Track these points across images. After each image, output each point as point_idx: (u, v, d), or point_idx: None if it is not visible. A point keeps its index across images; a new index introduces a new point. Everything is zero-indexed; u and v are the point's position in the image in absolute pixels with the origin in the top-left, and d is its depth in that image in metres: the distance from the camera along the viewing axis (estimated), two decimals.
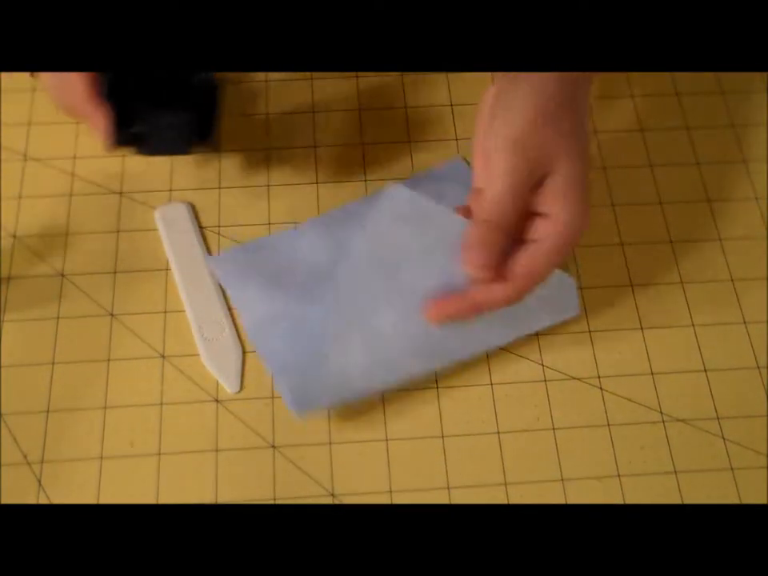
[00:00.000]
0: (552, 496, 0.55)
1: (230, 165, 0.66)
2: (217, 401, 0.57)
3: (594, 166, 0.67)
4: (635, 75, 0.72)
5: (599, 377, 0.59)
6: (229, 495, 0.54)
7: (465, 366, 0.58)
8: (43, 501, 0.54)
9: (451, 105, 0.70)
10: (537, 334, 0.60)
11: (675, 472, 0.56)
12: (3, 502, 0.53)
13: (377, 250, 0.53)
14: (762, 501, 0.55)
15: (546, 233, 0.49)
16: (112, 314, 0.60)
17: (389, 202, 0.52)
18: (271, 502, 0.54)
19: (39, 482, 0.54)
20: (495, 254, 0.49)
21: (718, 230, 0.65)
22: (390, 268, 0.53)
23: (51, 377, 0.58)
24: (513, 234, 0.49)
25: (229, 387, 0.57)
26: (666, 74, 0.72)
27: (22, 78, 0.69)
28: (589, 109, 0.52)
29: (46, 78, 0.57)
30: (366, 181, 0.66)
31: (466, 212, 0.51)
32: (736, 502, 0.54)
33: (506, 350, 0.59)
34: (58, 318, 0.60)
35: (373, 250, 0.53)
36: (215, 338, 0.59)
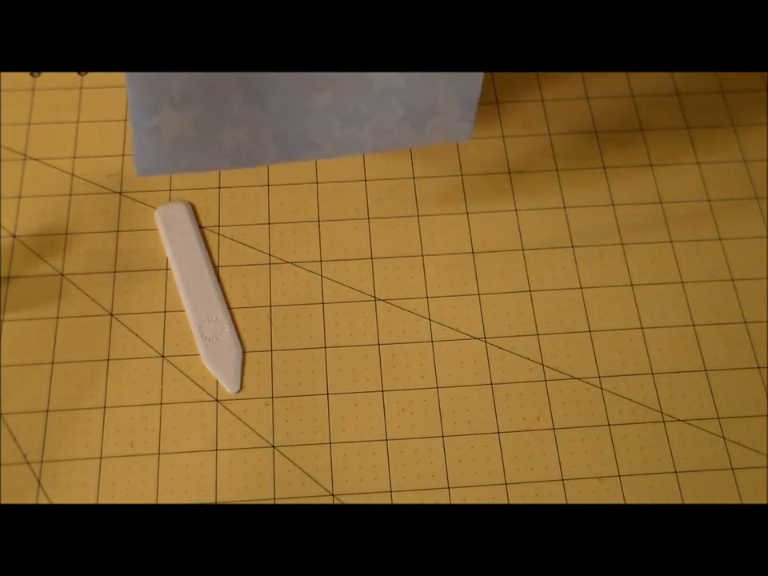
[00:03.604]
0: (552, 496, 0.55)
1: None
2: (217, 401, 0.57)
3: (595, 164, 0.67)
4: (635, 75, 0.72)
5: (599, 377, 0.59)
6: (229, 495, 0.54)
7: (464, 367, 0.58)
8: (43, 501, 0.54)
9: None
10: (537, 334, 0.60)
11: (675, 472, 0.56)
12: (3, 502, 0.53)
13: None
14: (762, 501, 0.55)
15: None
16: (112, 314, 0.60)
17: None
18: (271, 502, 0.54)
19: (39, 481, 0.54)
20: None
21: (718, 229, 0.65)
22: None
23: (51, 377, 0.58)
24: None
25: (228, 387, 0.57)
26: (666, 74, 0.72)
27: (22, 77, 0.69)
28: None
29: None
30: (365, 180, 0.66)
31: None
32: (736, 501, 0.54)
33: (505, 350, 0.59)
34: (58, 317, 0.60)
35: None
36: (215, 337, 0.59)
